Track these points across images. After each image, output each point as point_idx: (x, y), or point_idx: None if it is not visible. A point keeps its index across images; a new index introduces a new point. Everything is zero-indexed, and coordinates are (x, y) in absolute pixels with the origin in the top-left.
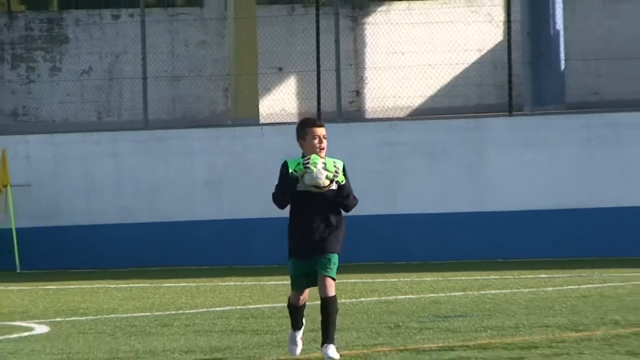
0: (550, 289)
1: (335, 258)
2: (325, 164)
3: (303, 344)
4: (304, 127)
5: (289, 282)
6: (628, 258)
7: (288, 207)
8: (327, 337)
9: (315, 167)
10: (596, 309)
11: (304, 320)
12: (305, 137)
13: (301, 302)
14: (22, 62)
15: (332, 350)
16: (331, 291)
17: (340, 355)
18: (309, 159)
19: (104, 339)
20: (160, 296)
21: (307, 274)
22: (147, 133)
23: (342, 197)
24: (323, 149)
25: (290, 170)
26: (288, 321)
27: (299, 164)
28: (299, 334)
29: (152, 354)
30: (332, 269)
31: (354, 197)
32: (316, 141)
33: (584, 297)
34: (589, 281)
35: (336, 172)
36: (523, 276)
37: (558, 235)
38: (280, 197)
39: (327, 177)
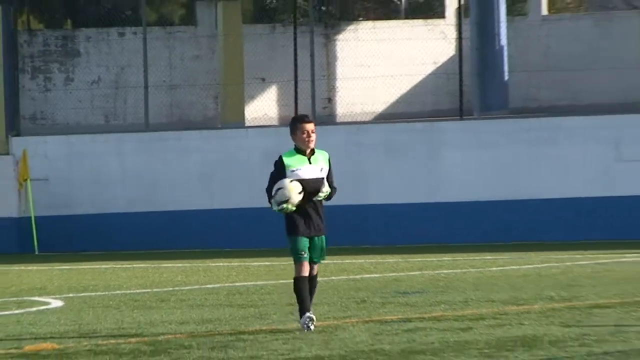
0: (495, 268)
1: (325, 241)
2: (286, 208)
3: (311, 324)
4: (295, 123)
5: (292, 262)
6: (562, 242)
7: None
8: (307, 304)
9: (286, 209)
10: (534, 286)
11: (308, 301)
12: (296, 132)
13: (306, 272)
14: (40, 73)
15: (312, 317)
16: (315, 271)
17: (315, 327)
18: (282, 208)
19: (111, 312)
20: (159, 275)
21: (307, 248)
22: (148, 134)
23: (329, 188)
24: (311, 141)
25: (280, 174)
26: (295, 307)
27: (281, 209)
28: (307, 316)
29: (152, 324)
30: (323, 257)
31: (334, 187)
32: (304, 135)
33: (524, 276)
34: (528, 262)
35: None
36: (471, 258)
37: (502, 222)
38: (271, 197)
39: (284, 210)
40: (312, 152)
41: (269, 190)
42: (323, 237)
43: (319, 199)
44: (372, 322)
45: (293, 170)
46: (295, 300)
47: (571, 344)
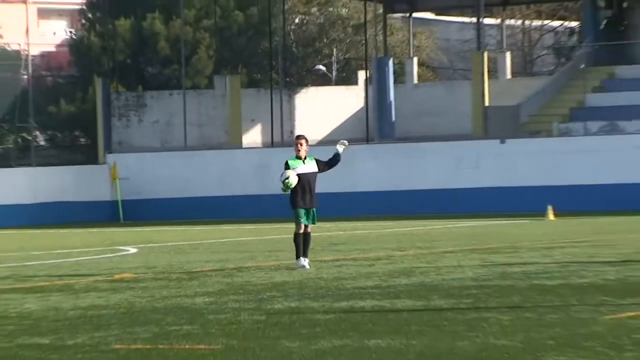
0: (387, 230)
1: (316, 212)
2: (289, 183)
3: (307, 265)
4: (294, 138)
5: (294, 223)
6: (426, 214)
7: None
8: (305, 253)
9: (286, 186)
10: (409, 240)
11: (302, 249)
12: (294, 145)
13: (302, 231)
14: (123, 116)
15: (306, 261)
16: (309, 230)
17: (309, 265)
18: (285, 183)
19: (164, 256)
20: (193, 234)
21: (305, 215)
22: (186, 152)
23: (327, 166)
24: (300, 149)
25: (289, 164)
26: (293, 254)
27: (284, 182)
28: (302, 259)
29: (188, 263)
30: (314, 222)
31: (329, 161)
32: (297, 145)
33: (403, 234)
34: (407, 226)
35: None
36: (374, 224)
37: (391, 204)
38: (283, 183)
39: (287, 187)
40: (305, 158)
41: (282, 179)
42: (314, 209)
43: (338, 157)
44: (316, 261)
45: (294, 168)
46: (294, 249)
47: (432, 273)
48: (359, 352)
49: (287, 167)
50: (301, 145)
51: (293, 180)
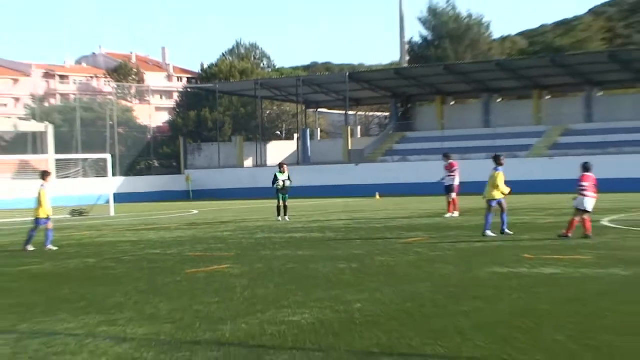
0: (309, 202)
1: (287, 196)
2: (283, 181)
3: (281, 220)
4: (279, 165)
5: (276, 200)
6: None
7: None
8: (285, 213)
9: (277, 185)
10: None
11: (281, 213)
12: (280, 166)
13: (280, 204)
14: (191, 153)
15: (283, 218)
16: (287, 204)
17: (288, 219)
18: (276, 184)
19: (211, 214)
20: (225, 205)
21: (282, 197)
22: (219, 169)
23: (289, 179)
24: (284, 169)
25: (277, 178)
26: (275, 214)
27: (279, 181)
28: (280, 217)
29: (221, 216)
30: (286, 200)
31: (291, 180)
32: (282, 167)
33: (315, 206)
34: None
35: (285, 183)
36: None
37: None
38: (274, 184)
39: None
40: (284, 171)
41: (273, 182)
42: (286, 195)
43: (288, 184)
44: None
45: (280, 178)
46: (275, 213)
47: (327, 222)
48: (296, 257)
49: (275, 177)
50: (284, 167)
51: (280, 184)
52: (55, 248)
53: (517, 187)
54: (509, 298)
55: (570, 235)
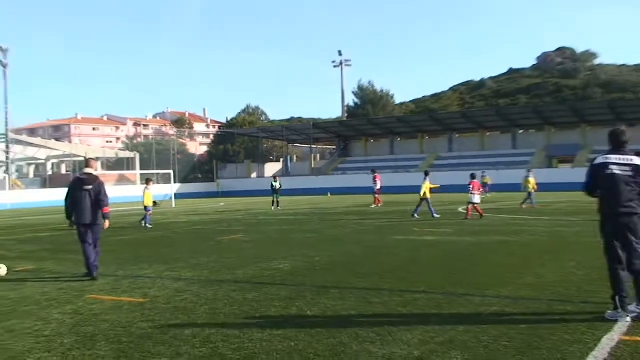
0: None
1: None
2: (275, 185)
3: (274, 209)
4: (273, 176)
5: (271, 198)
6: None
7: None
8: (277, 205)
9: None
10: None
11: (274, 205)
12: (274, 177)
13: (275, 200)
14: (221, 169)
15: (279, 207)
16: (278, 200)
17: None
18: (275, 185)
19: (234, 205)
20: (240, 200)
21: (275, 196)
22: (239, 180)
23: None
24: (276, 181)
25: (272, 184)
26: (270, 206)
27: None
28: (273, 207)
29: (237, 208)
30: (278, 197)
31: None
32: (275, 178)
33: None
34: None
35: (276, 186)
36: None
37: None
38: (271, 187)
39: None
40: (277, 180)
41: (271, 186)
42: (278, 194)
43: (279, 187)
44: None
45: (274, 184)
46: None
47: (289, 209)
48: (281, 230)
49: (271, 183)
50: (277, 178)
51: (277, 187)
52: (150, 226)
53: (412, 190)
54: (405, 254)
55: (468, 218)
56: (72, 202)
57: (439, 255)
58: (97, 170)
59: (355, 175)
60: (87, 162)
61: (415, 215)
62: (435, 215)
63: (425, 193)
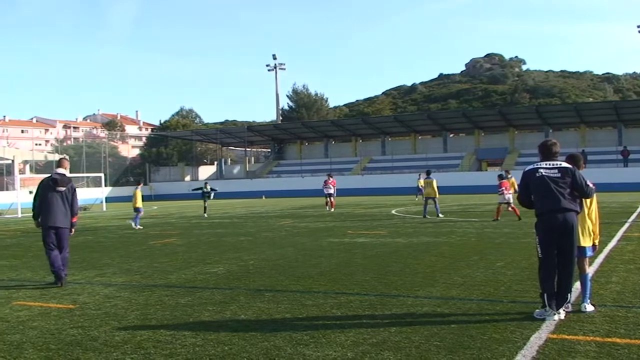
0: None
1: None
2: (206, 190)
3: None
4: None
5: (202, 202)
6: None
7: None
8: (205, 211)
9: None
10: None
11: (206, 211)
12: (204, 184)
13: (205, 205)
14: (158, 172)
15: (206, 214)
16: (207, 204)
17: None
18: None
19: (170, 210)
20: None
21: (205, 201)
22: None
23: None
24: (206, 186)
25: (201, 188)
26: (202, 211)
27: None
28: (205, 213)
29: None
30: (208, 200)
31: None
32: (205, 184)
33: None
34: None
35: (205, 190)
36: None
37: None
38: (199, 190)
39: None
40: (207, 185)
41: (199, 190)
42: (210, 199)
43: (210, 192)
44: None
45: (204, 189)
46: None
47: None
48: (215, 233)
49: (200, 188)
50: (207, 184)
51: (208, 191)
52: (141, 227)
53: (348, 193)
54: (338, 256)
55: (497, 219)
56: (42, 203)
57: (373, 257)
58: (69, 171)
59: (289, 178)
60: (59, 162)
61: (439, 214)
62: (440, 215)
63: (434, 192)
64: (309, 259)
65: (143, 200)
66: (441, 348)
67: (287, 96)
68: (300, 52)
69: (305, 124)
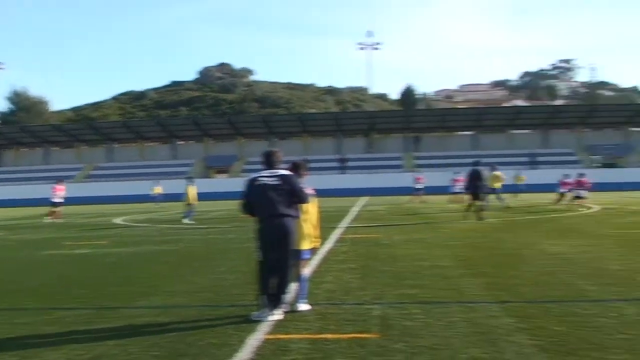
0: None
1: None
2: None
3: None
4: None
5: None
6: None
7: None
8: None
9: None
10: None
11: None
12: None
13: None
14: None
15: None
16: None
17: None
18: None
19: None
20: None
21: None
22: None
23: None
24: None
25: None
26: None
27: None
28: None
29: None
30: None
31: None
32: (190, 189)
33: None
34: None
35: None
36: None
37: None
38: None
39: None
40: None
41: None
42: None
43: None
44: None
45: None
46: None
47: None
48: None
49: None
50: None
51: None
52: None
53: (69, 201)
54: (55, 269)
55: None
56: None
57: (92, 268)
58: None
59: (4, 187)
60: None
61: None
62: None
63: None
64: (22, 273)
65: None
66: (159, 357)
67: (7, 98)
68: (23, 51)
69: (24, 128)
